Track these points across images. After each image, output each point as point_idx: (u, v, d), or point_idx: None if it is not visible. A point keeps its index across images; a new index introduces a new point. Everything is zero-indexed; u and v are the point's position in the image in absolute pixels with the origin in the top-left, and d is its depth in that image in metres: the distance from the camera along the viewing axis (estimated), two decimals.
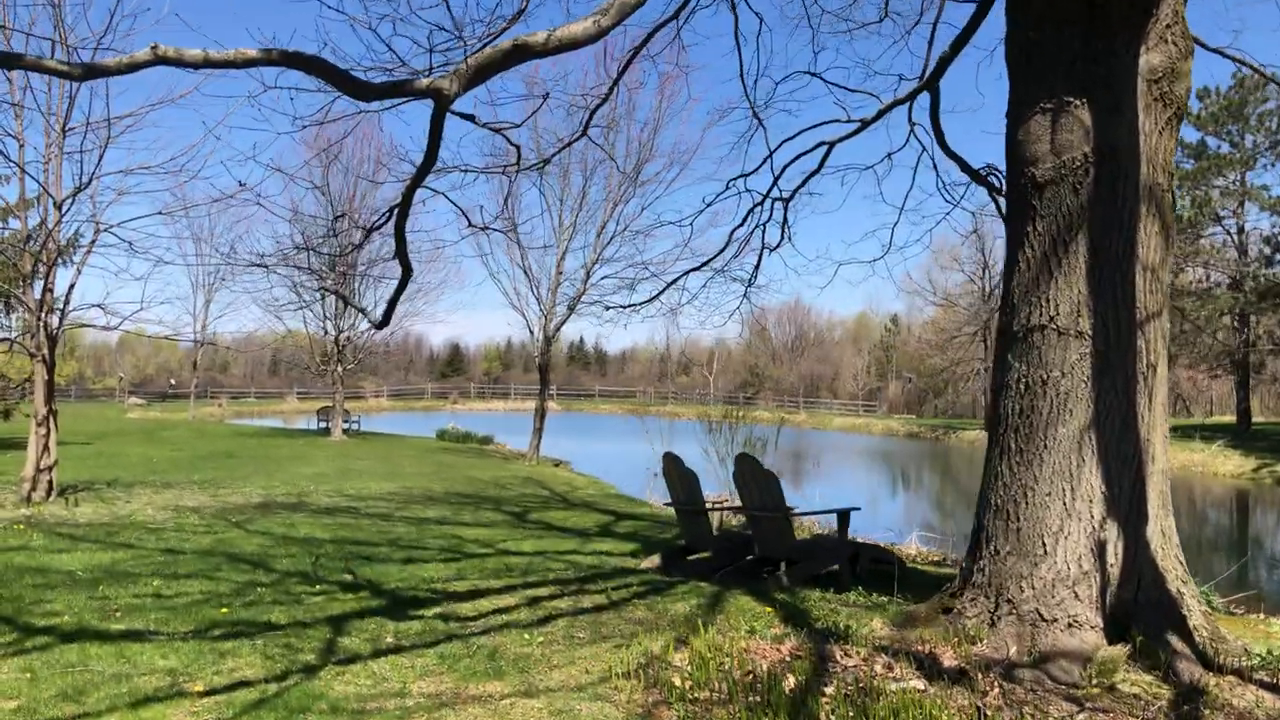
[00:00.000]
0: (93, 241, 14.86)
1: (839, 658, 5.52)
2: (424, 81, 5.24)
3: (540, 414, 27.73)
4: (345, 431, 33.52)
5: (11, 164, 14.28)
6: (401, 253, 6.51)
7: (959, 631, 5.86)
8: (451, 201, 8.13)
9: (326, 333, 32.47)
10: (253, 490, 17.27)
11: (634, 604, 7.33)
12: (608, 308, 21.40)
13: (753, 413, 58.13)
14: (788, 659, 5.54)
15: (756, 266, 10.71)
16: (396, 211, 6.33)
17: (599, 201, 26.68)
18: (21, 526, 11.42)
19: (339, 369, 32.64)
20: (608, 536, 12.05)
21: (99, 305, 15.23)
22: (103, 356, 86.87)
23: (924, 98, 9.10)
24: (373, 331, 33.03)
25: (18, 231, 14.26)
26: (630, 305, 13.04)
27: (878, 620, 6.64)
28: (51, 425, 14.51)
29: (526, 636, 6.34)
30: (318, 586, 7.86)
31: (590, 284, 26.30)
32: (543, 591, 7.79)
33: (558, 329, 27.74)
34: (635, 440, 43.58)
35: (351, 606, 7.16)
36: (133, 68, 4.82)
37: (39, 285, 14.44)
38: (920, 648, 5.69)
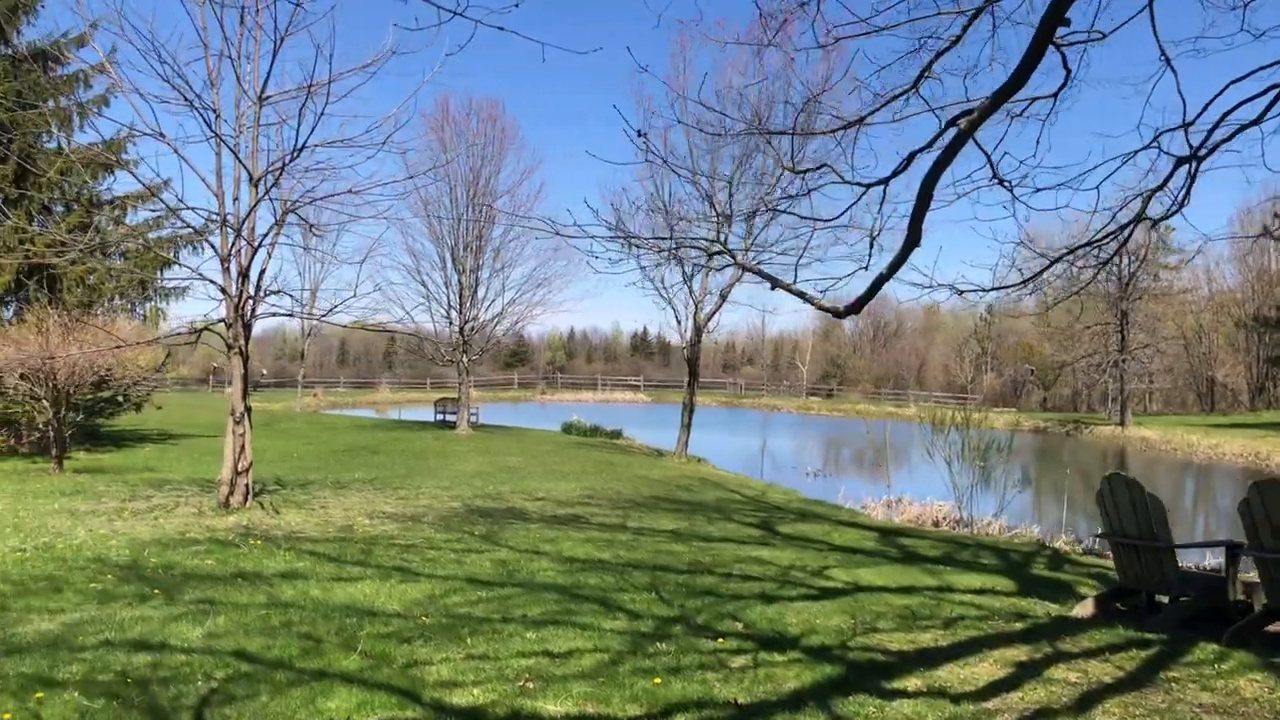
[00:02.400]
0: (279, 222, 13.58)
1: None
2: None
3: (689, 409, 26.13)
4: (470, 424, 32.30)
5: (210, 136, 12.99)
6: (919, 218, 4.90)
7: None
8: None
9: (451, 322, 31.24)
10: (436, 491, 15.94)
11: (1168, 679, 5.64)
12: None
13: (885, 408, 56.06)
14: None
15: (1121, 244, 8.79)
16: (937, 162, 4.70)
17: (754, 175, 24.86)
18: (257, 541, 10.08)
19: (464, 359, 31.38)
20: (920, 561, 10.38)
21: (286, 293, 14.01)
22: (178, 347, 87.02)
23: None
24: (495, 323, 31.77)
25: (212, 212, 12.94)
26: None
27: None
28: (247, 424, 13.25)
29: None
30: (719, 641, 6.29)
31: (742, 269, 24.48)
32: (1011, 653, 6.14)
33: (710, 318, 26.10)
34: (743, 433, 41.99)
35: (807, 677, 5.57)
36: None
37: (234, 270, 13.15)
38: None
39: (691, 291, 25.81)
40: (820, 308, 6.24)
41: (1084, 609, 7.20)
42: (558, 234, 6.42)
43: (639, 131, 5.65)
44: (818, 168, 5.70)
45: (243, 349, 13.13)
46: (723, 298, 25.55)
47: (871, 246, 5.35)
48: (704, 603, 7.41)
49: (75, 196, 23.49)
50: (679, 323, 26.60)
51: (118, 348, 14.34)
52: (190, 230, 23.50)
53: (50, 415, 17.68)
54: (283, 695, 4.95)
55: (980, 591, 8.36)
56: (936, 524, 17.39)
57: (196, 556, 9.10)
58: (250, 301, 13.10)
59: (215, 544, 9.85)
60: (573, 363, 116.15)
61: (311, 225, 14.47)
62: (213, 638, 6.04)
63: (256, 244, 12.60)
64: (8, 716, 4.58)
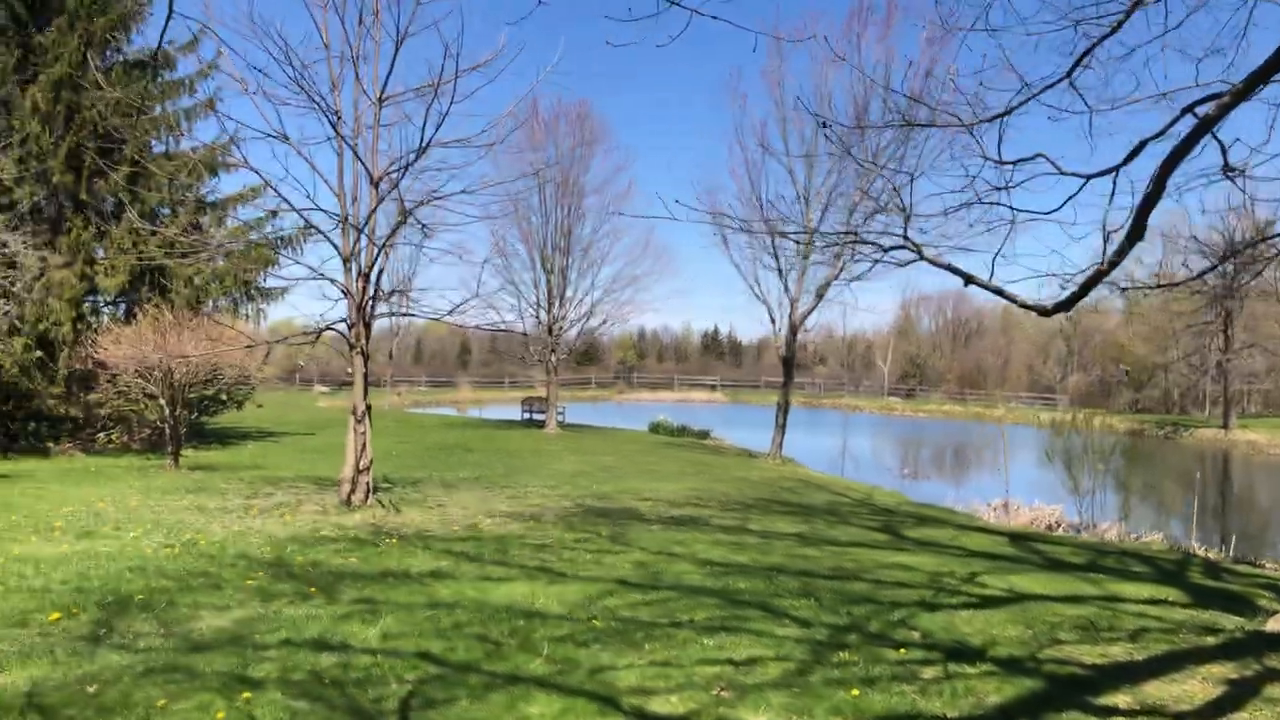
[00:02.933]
0: (402, 221, 13.65)
1: None
2: None
3: (783, 409, 25.78)
4: (559, 424, 32.40)
5: (332, 137, 13.14)
6: (1147, 210, 4.60)
7: None
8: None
9: (540, 322, 31.36)
10: (543, 490, 15.91)
11: None
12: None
13: (971, 409, 54.85)
14: None
15: None
16: (1175, 151, 4.41)
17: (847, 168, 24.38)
18: (392, 540, 10.12)
19: (553, 358, 31.48)
20: (1069, 568, 9.99)
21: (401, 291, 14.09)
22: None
23: None
24: (583, 321, 31.80)
25: (333, 213, 13.07)
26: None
27: None
28: (368, 423, 13.37)
29: None
30: (902, 651, 6.06)
31: (843, 264, 24.13)
32: (1218, 669, 5.80)
33: (805, 316, 25.72)
34: (828, 433, 41.36)
35: (1008, 691, 5.32)
36: None
37: (356, 270, 13.27)
38: None
39: (787, 290, 25.48)
40: (1024, 306, 5.97)
41: (1278, 624, 6.79)
42: (723, 226, 6.19)
43: (823, 122, 5.43)
44: (1031, 158, 5.41)
45: (364, 348, 13.26)
46: (819, 296, 25.16)
47: (1106, 241, 5.04)
48: (867, 610, 7.17)
49: (181, 199, 24.10)
50: (773, 322, 26.30)
51: (249, 347, 14.62)
52: (287, 232, 24.03)
53: (166, 413, 18.12)
54: (481, 700, 4.86)
55: (1152, 602, 7.96)
56: (1051, 528, 16.84)
57: (338, 555, 9.15)
58: (371, 301, 13.22)
59: (352, 542, 9.91)
60: (643, 362, 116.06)
61: (424, 225, 14.55)
62: (389, 639, 6.00)
63: (380, 244, 12.68)
64: (221, 716, 4.57)
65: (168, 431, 18.39)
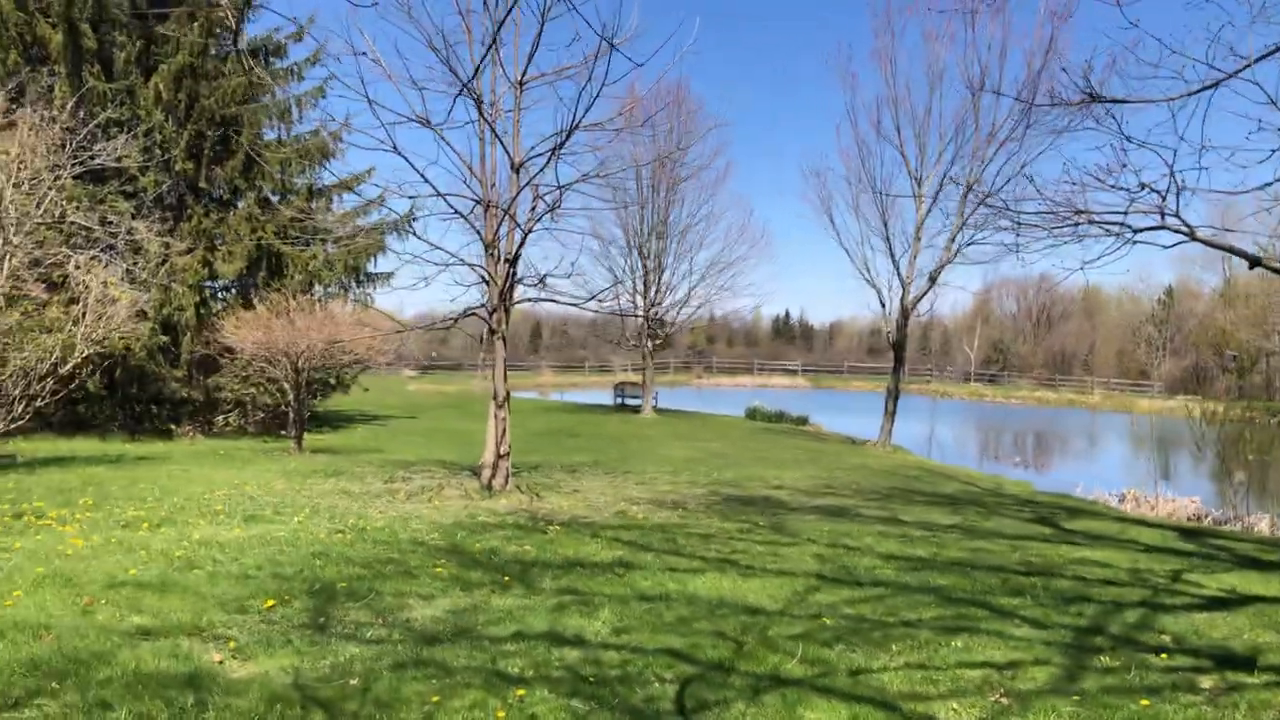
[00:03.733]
0: (532, 208, 13.51)
1: None
2: None
3: (894, 396, 25.24)
4: (654, 409, 32.30)
5: (473, 121, 13.04)
6: None
7: None
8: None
9: (636, 307, 31.20)
10: (667, 477, 15.75)
11: None
12: None
13: (1064, 395, 53.44)
14: None
15: None
16: None
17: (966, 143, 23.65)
18: (556, 526, 10.01)
19: (649, 344, 31.32)
20: (1272, 567, 9.45)
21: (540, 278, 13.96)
22: None
23: None
24: (680, 306, 31.57)
25: (474, 198, 12.98)
26: None
27: None
28: (508, 408, 13.31)
29: None
30: (1163, 657, 5.69)
31: (957, 248, 23.48)
32: None
33: (916, 302, 25.09)
34: (919, 419, 40.50)
35: None
36: None
37: (499, 254, 13.18)
38: None
39: (899, 272, 24.87)
40: None
41: None
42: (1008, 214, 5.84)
43: (1091, 93, 5.05)
44: None
45: (504, 334, 13.18)
46: (932, 280, 24.50)
47: None
48: (1093, 610, 6.80)
49: (292, 187, 24.40)
50: (883, 306, 25.72)
51: (399, 331, 14.69)
52: (395, 218, 24.17)
53: (290, 397, 18.36)
54: (755, 703, 4.65)
55: None
56: (1194, 521, 16.14)
57: (511, 542, 9.05)
58: (510, 287, 13.12)
59: (516, 529, 9.82)
60: (713, 346, 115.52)
61: (551, 209, 14.39)
62: (621, 633, 5.83)
63: (526, 228, 12.56)
64: (502, 715, 4.43)
65: (291, 415, 18.64)
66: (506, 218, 12.82)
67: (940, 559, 8.84)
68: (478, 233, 13.02)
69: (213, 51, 22.62)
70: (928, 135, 24.14)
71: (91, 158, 15.16)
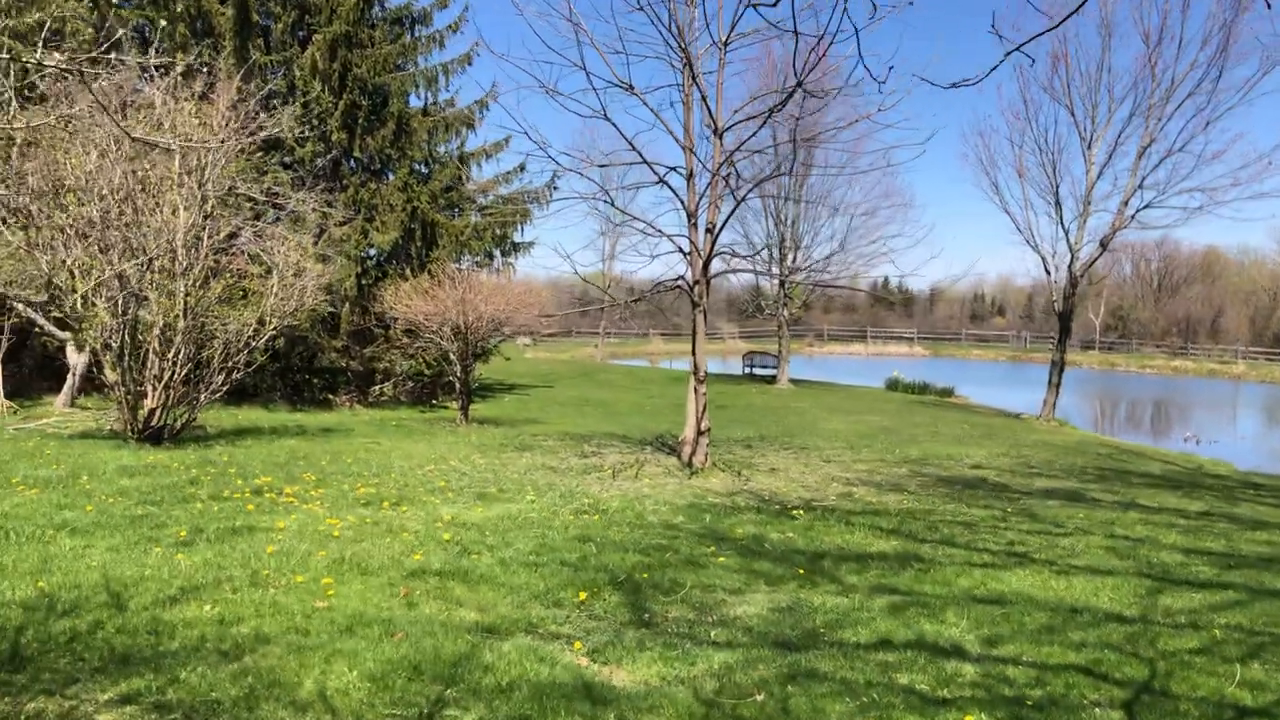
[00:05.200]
0: (792, 169, 12.97)
1: None
2: None
3: (1059, 368, 24.10)
4: (790, 380, 31.69)
5: (674, 85, 12.54)
6: None
7: None
8: None
9: (772, 274, 30.50)
10: (852, 454, 15.17)
11: None
12: None
13: (1205, 365, 50.92)
14: None
15: None
16: None
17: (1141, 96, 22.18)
18: (798, 511, 9.55)
19: (785, 312, 30.63)
20: None
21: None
22: None
23: None
24: (819, 272, 30.72)
25: (680, 168, 12.52)
26: None
27: None
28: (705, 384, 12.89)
29: None
30: None
31: (1133, 210, 22.14)
32: None
33: (1086, 269, 23.83)
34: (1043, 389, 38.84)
35: None
36: None
37: (702, 225, 12.71)
38: None
39: (1068, 238, 23.62)
40: None
41: None
42: None
43: None
44: None
45: (705, 307, 12.74)
46: (1103, 245, 23.20)
47: None
48: None
49: (436, 155, 24.33)
50: (1049, 274, 24.49)
51: (612, 304, 14.40)
52: (537, 187, 23.88)
53: (458, 368, 18.30)
54: None
55: None
56: None
57: (766, 527, 8.65)
58: (709, 257, 12.65)
59: (755, 512, 9.42)
60: (809, 314, 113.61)
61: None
62: (992, 643, 5.32)
63: (741, 196, 12.05)
64: None
65: (458, 386, 18.60)
66: (710, 185, 12.33)
67: (1242, 553, 8.11)
68: (681, 202, 12.56)
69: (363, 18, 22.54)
70: (1099, 93, 22.74)
71: (260, 129, 15.11)
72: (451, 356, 18.28)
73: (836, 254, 30.62)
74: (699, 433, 12.69)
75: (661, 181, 12.12)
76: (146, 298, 12.41)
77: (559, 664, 4.86)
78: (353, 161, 22.45)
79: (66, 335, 17.27)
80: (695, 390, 12.70)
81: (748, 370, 35.86)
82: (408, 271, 21.60)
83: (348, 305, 21.33)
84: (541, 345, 56.40)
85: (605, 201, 12.34)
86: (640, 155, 11.62)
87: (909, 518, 9.34)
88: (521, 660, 4.84)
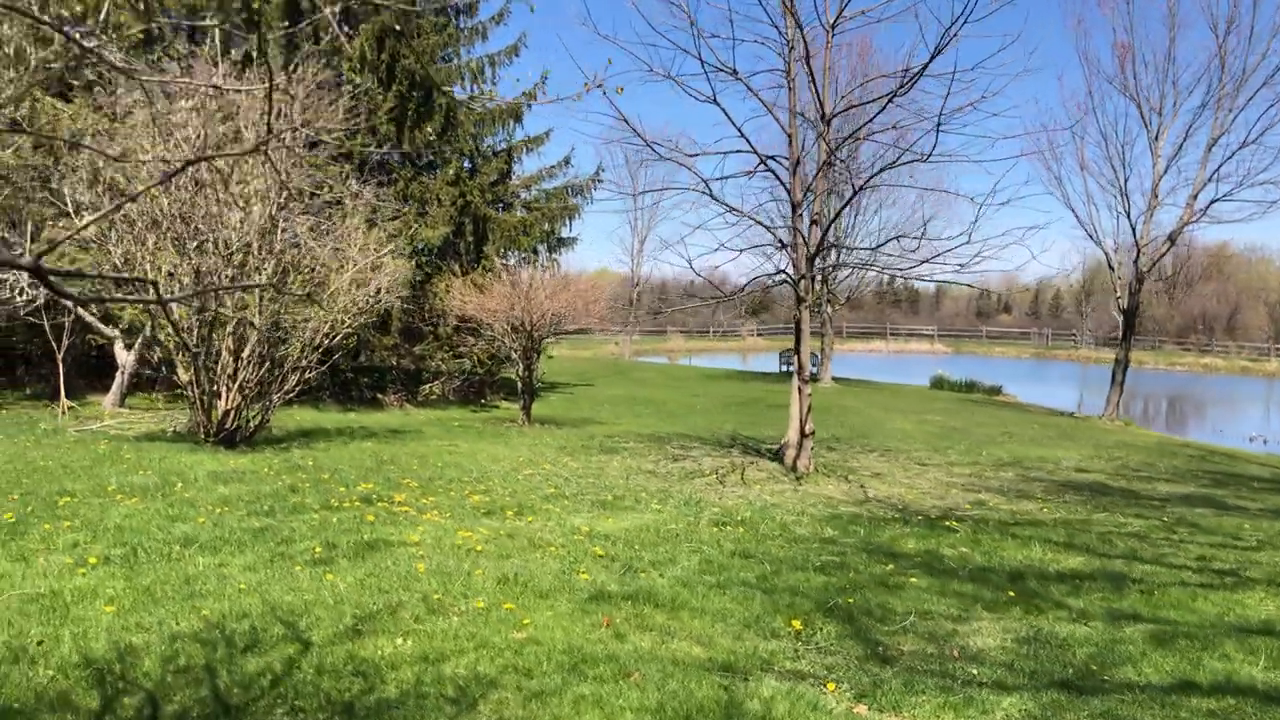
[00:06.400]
0: (828, 164, 12.34)
1: None
2: None
3: (1123, 366, 23.44)
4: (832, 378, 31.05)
5: (777, 69, 11.90)
6: None
7: None
8: None
9: (806, 271, 29.77)
10: (934, 457, 14.52)
11: None
12: None
13: (1237, 362, 50.34)
14: None
15: None
16: None
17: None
18: (953, 523, 8.91)
19: (829, 309, 29.97)
20: None
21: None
22: None
23: None
24: (858, 269, 29.98)
25: (785, 159, 11.88)
26: None
27: None
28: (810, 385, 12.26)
29: None
30: None
31: (1202, 204, 21.49)
32: None
33: (1154, 264, 23.18)
34: (1072, 386, 38.29)
35: None
36: None
37: (807, 218, 12.08)
38: None
39: (1135, 234, 22.92)
40: None
41: None
42: None
43: None
44: None
45: (811, 303, 12.10)
46: (1171, 241, 22.57)
47: None
48: None
49: (480, 149, 23.68)
50: (1112, 270, 23.81)
51: (719, 300, 13.76)
52: (581, 180, 23.24)
53: (520, 367, 17.65)
54: None
55: None
56: None
57: (931, 540, 8.01)
58: (817, 251, 12.01)
59: (902, 524, 8.77)
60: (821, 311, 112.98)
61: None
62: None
63: (860, 185, 11.41)
64: None
65: (520, 386, 17.95)
66: (818, 173, 11.70)
67: None
68: (787, 191, 11.92)
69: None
70: (1166, 83, 22.08)
71: (309, 122, 14.43)
72: (514, 354, 17.62)
73: (893, 246, 29.81)
74: (803, 435, 12.06)
75: (765, 167, 11.47)
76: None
77: (831, 712, 4.22)
78: (403, 156, 21.76)
79: (115, 333, 16.64)
80: (800, 390, 12.08)
81: (784, 368, 35.20)
82: (457, 268, 20.97)
83: (399, 302, 20.65)
84: (564, 343, 55.76)
85: (702, 193, 11.60)
86: (749, 143, 10.98)
87: (1072, 529, 8.71)
88: (793, 709, 4.20)
